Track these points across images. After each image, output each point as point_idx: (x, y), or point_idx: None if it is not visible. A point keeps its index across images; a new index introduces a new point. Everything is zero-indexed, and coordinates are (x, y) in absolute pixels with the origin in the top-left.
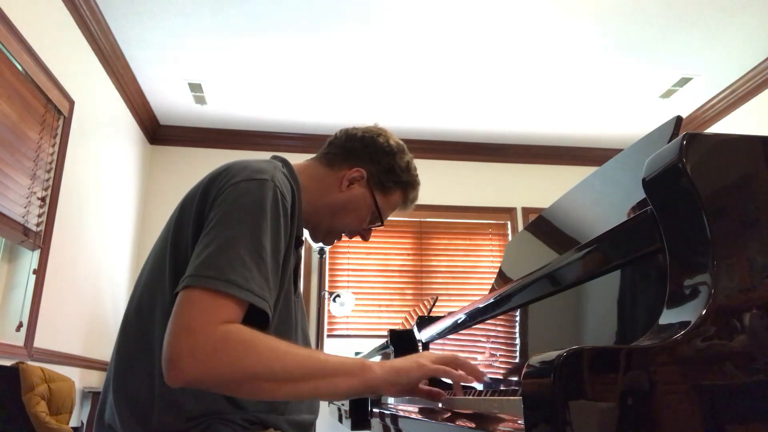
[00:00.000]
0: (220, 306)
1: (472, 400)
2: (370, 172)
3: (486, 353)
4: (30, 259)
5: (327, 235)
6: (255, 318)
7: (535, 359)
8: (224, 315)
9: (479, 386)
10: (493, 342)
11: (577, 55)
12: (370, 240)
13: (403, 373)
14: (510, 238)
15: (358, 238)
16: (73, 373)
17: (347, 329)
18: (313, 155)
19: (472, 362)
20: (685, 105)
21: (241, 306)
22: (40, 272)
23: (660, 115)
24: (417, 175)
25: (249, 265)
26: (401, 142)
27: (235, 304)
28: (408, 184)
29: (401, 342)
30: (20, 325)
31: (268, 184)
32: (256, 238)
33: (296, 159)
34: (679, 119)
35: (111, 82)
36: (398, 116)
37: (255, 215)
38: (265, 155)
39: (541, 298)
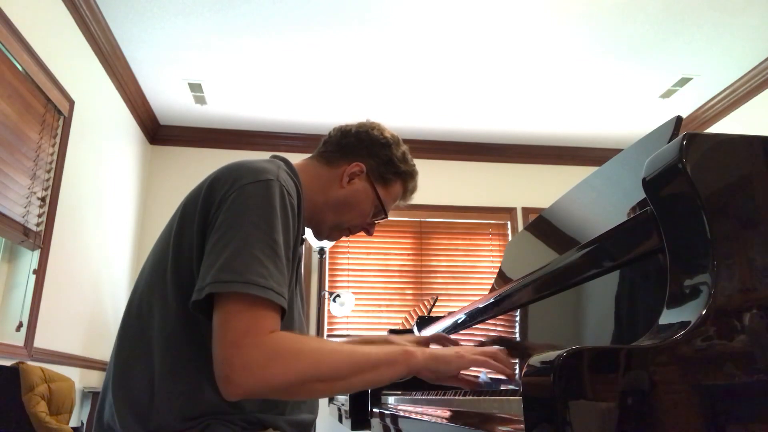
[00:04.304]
0: (260, 316)
1: (473, 400)
2: (369, 165)
3: None
4: (30, 259)
5: (331, 232)
6: None
7: (535, 359)
8: (266, 324)
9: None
10: (493, 342)
11: (577, 54)
12: (370, 240)
13: (442, 363)
14: (510, 238)
15: (358, 236)
16: (73, 373)
17: (347, 329)
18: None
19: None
20: (685, 105)
21: (275, 308)
22: (40, 272)
23: (660, 115)
24: (414, 165)
25: (266, 264)
26: (395, 134)
27: (269, 308)
28: (407, 174)
29: None
30: (20, 325)
31: (275, 183)
32: (269, 236)
33: (296, 159)
34: (679, 119)
35: (111, 82)
36: (398, 116)
37: (265, 215)
38: (265, 155)
39: (541, 298)
